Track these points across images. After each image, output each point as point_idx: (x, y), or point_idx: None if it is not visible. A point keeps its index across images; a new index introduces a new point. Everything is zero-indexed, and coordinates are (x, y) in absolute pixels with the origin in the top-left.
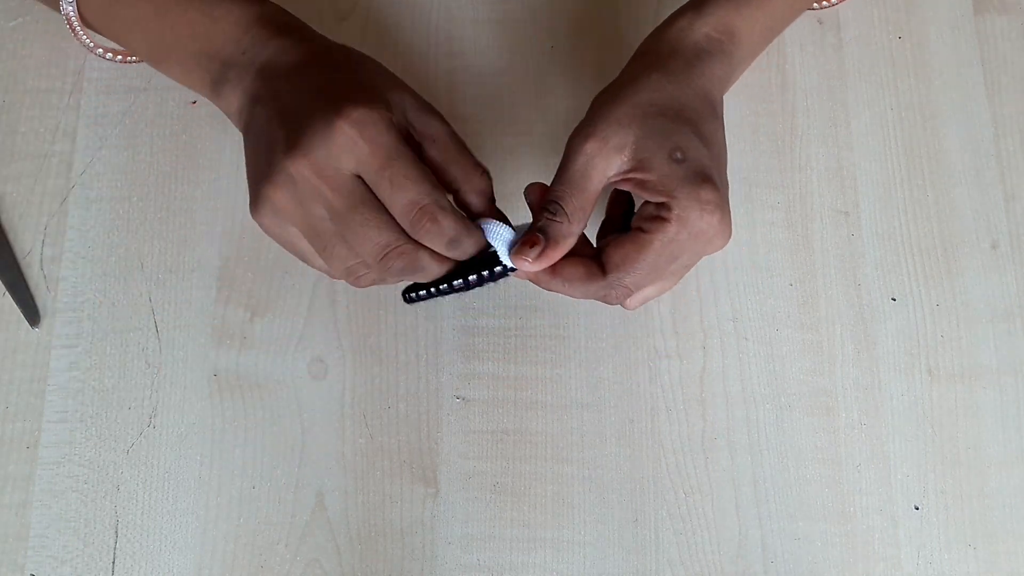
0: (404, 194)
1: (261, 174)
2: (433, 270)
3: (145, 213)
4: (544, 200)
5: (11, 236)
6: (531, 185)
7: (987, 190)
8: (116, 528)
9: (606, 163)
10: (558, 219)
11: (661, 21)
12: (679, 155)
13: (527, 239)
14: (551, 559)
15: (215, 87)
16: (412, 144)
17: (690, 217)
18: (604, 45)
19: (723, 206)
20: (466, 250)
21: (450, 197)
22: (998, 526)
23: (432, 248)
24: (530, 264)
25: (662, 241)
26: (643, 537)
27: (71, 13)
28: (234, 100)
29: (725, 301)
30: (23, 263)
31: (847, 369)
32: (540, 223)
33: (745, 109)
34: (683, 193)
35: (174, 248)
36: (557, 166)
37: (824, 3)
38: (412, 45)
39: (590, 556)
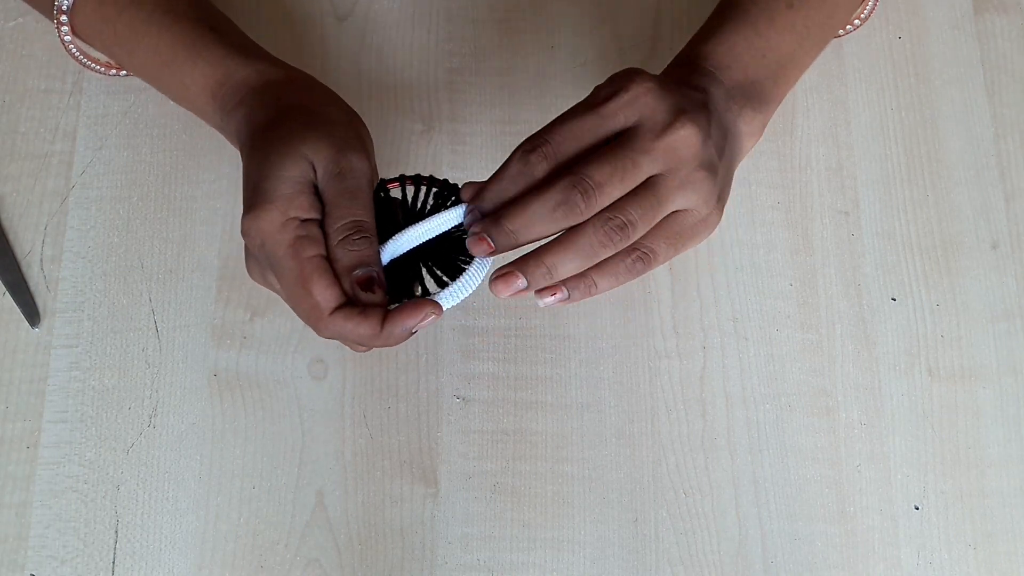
0: (298, 305)
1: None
2: (364, 338)
3: (145, 213)
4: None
5: (11, 236)
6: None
7: (987, 190)
8: (116, 528)
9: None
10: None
11: (661, 20)
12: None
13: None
14: (551, 559)
15: (220, 129)
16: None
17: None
18: (604, 45)
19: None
20: (379, 345)
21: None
22: (998, 526)
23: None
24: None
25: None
26: (643, 537)
27: (65, 30)
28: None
29: (725, 301)
30: (23, 263)
31: (847, 369)
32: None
33: None
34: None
35: (174, 248)
36: None
37: (853, 24)
38: (412, 45)
39: (590, 556)
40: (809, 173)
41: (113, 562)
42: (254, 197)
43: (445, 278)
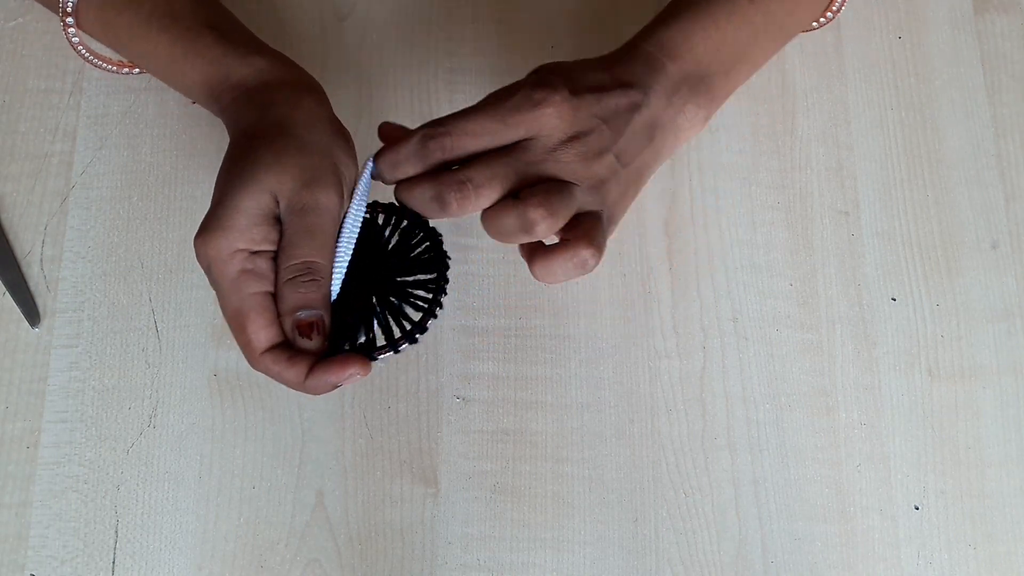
0: (235, 336)
1: None
2: (288, 383)
3: (145, 213)
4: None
5: (11, 236)
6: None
7: (987, 190)
8: (116, 528)
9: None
10: None
11: None
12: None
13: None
14: (551, 559)
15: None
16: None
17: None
18: (604, 45)
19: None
20: (291, 382)
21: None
22: (998, 526)
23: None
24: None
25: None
26: (643, 537)
27: (71, 27)
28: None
29: (725, 301)
30: (23, 263)
31: (847, 369)
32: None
33: (745, 110)
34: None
35: (174, 248)
36: None
37: (818, 22)
38: (412, 45)
39: (590, 556)
40: (809, 173)
41: (113, 562)
42: (209, 219)
43: (394, 326)
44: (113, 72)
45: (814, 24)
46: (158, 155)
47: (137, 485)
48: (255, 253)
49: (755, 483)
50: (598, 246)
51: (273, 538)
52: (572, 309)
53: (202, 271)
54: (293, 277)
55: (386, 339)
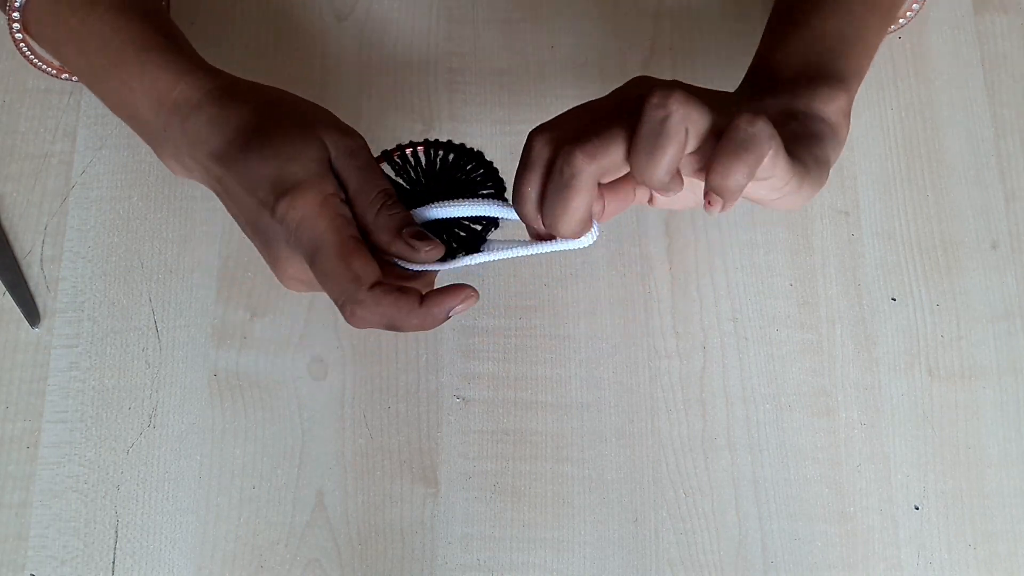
0: (328, 290)
1: (266, 251)
2: (404, 317)
3: (145, 213)
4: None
5: (11, 236)
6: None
7: (987, 190)
8: (116, 528)
9: None
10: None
11: (661, 20)
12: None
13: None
14: (551, 559)
15: (155, 144)
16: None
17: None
18: (604, 45)
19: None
20: (415, 327)
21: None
22: (998, 526)
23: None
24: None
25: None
26: (643, 537)
27: (15, 22)
28: (177, 167)
29: (725, 301)
30: (23, 263)
31: (847, 369)
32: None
33: None
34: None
35: (174, 248)
36: None
37: (898, 23)
38: (412, 45)
39: (590, 556)
40: None
41: (113, 562)
42: (283, 183)
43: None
44: (52, 75)
45: (915, 7)
46: None
47: (137, 485)
48: (340, 200)
49: (755, 483)
50: (753, 111)
51: (273, 538)
52: (572, 309)
53: (200, 270)
54: (381, 206)
55: (468, 235)
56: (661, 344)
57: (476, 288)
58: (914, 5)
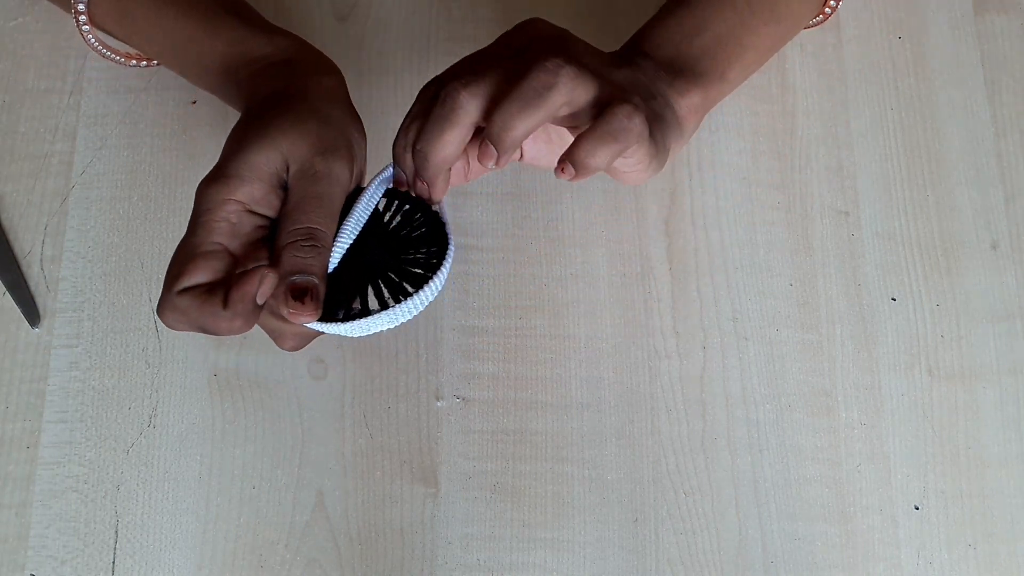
0: (169, 267)
1: None
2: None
3: (145, 213)
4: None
5: (11, 236)
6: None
7: (987, 190)
8: (116, 528)
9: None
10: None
11: None
12: None
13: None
14: (551, 559)
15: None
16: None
17: None
18: (604, 45)
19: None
20: (224, 330)
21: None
22: (998, 526)
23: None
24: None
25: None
26: (643, 537)
27: (82, 15)
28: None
29: (725, 301)
30: (23, 263)
31: (847, 369)
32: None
33: (745, 109)
34: None
35: (174, 248)
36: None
37: (816, 20)
38: (412, 45)
39: (590, 556)
40: (809, 173)
41: (113, 562)
42: (215, 169)
43: (388, 299)
44: (121, 63)
45: (817, 18)
46: (158, 155)
47: (137, 485)
48: (248, 211)
49: (755, 483)
50: (634, 104)
51: (273, 538)
52: (572, 309)
53: None
54: (294, 240)
55: (380, 305)
56: (661, 344)
57: (311, 281)
58: (831, 2)
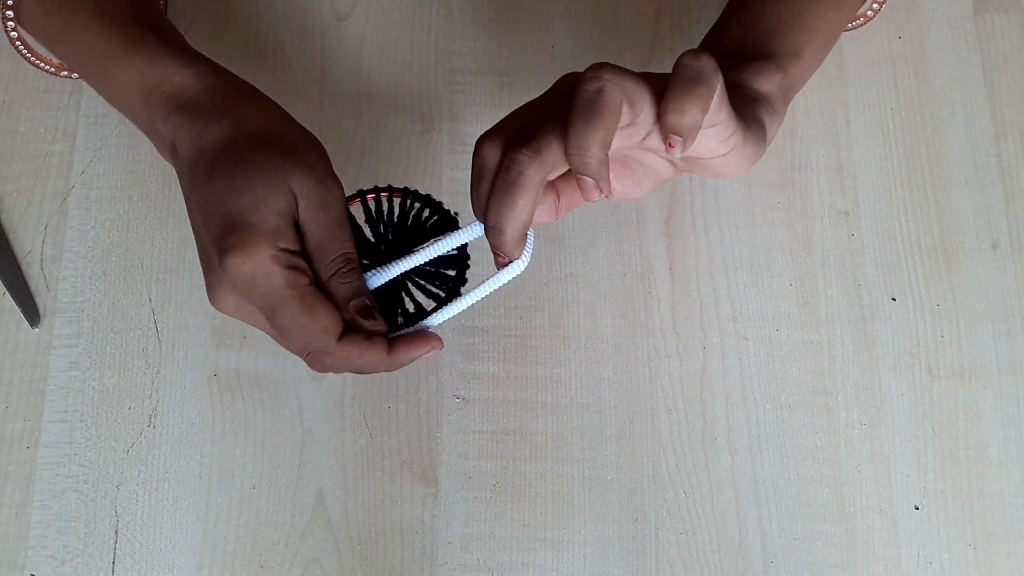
0: (292, 342)
1: (205, 271)
2: (371, 365)
3: (145, 213)
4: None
5: (11, 236)
6: None
7: (987, 190)
8: (116, 528)
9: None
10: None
11: (661, 20)
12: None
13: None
14: (551, 559)
15: (151, 138)
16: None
17: None
18: (604, 45)
19: None
20: (381, 371)
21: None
22: (998, 526)
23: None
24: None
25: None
26: (643, 537)
27: (10, 21)
28: (168, 157)
29: (725, 301)
30: (23, 263)
31: (847, 369)
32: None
33: None
34: None
35: (174, 248)
36: None
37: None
38: (412, 45)
39: (590, 556)
40: (809, 173)
41: (113, 562)
42: (237, 230)
43: (431, 295)
44: (51, 73)
45: (858, 20)
46: (158, 155)
47: (137, 485)
48: (293, 252)
49: (755, 483)
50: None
51: (273, 538)
52: (572, 309)
53: (200, 270)
54: (336, 271)
55: (434, 300)
56: (661, 344)
57: (441, 338)
58: (874, 5)
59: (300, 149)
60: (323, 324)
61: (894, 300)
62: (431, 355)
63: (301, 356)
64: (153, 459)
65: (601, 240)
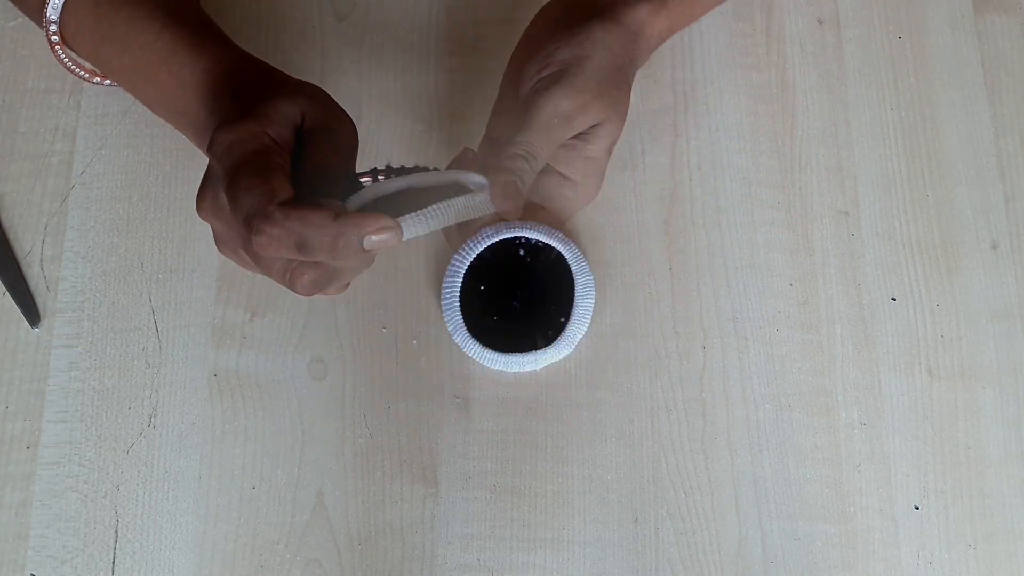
0: (239, 208)
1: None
2: (347, 275)
3: (145, 213)
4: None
5: (11, 236)
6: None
7: (987, 190)
8: (116, 528)
9: (574, 127)
10: (531, 167)
11: None
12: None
13: (506, 190)
14: (551, 559)
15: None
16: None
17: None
18: None
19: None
20: (327, 249)
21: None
22: (998, 526)
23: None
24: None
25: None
26: (643, 537)
27: (53, 30)
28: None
29: (725, 301)
30: (23, 263)
31: (847, 369)
32: (512, 172)
33: (745, 109)
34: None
35: (174, 248)
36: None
37: None
38: (412, 45)
39: (590, 556)
40: (809, 173)
41: (113, 562)
42: (236, 115)
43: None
44: (85, 79)
45: None
46: (158, 155)
47: (137, 485)
48: (279, 145)
49: (755, 483)
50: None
51: (273, 538)
52: None
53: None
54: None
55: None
56: (661, 344)
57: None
58: None
59: (320, 94)
60: (271, 186)
61: (894, 300)
62: (386, 238)
63: (246, 232)
64: (153, 459)
65: (601, 240)
